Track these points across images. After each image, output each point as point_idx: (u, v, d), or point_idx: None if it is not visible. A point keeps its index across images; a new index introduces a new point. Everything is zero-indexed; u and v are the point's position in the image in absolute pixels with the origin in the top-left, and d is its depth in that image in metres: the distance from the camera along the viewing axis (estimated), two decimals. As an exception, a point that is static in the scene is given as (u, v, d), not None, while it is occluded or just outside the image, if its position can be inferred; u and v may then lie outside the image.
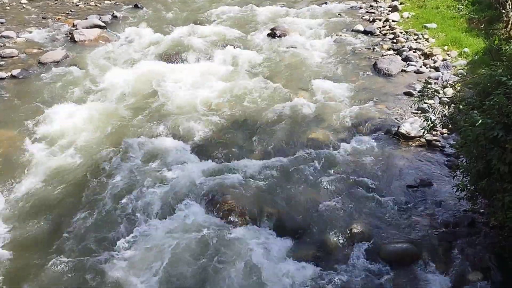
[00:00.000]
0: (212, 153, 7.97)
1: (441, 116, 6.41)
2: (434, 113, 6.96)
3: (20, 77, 10.47)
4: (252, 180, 7.22)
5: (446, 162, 7.54)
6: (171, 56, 11.63)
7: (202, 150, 8.06)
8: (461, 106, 5.86)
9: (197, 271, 5.68)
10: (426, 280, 5.45)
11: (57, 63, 11.11)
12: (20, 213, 6.65)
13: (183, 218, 6.48)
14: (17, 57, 11.45)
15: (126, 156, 7.77)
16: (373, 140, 8.24)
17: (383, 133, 8.46)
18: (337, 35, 13.00)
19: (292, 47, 12.26)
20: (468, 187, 5.80)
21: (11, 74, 10.51)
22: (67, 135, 8.40)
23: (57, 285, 5.56)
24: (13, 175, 7.39)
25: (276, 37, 12.90)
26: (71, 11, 15.24)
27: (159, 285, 5.50)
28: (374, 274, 5.59)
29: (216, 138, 8.42)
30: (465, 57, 10.79)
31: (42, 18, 14.39)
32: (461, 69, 10.26)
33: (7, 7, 15.36)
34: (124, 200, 6.83)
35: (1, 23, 13.65)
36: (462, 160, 6.11)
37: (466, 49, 10.97)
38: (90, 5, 16.09)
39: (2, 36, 12.56)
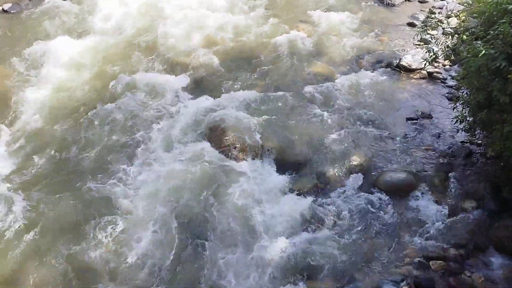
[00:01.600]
0: (212, 88, 7.90)
1: (444, 47, 6.28)
2: (436, 44, 6.81)
3: (12, 11, 10.11)
4: (252, 114, 7.21)
5: (446, 94, 7.52)
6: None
7: (202, 85, 7.98)
8: (464, 37, 5.73)
9: (199, 200, 5.84)
10: (422, 209, 5.63)
11: (49, -5, 10.64)
12: (23, 148, 6.71)
13: (184, 151, 6.54)
14: (8, -9, 10.95)
15: (125, 91, 7.67)
16: (374, 73, 8.15)
17: (384, 66, 8.35)
18: (338, -37, 12.38)
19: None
20: (467, 119, 5.83)
21: (2, 9, 10.15)
22: (63, 70, 8.25)
23: (64, 213, 5.74)
24: (11, 110, 7.38)
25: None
26: None
27: (162, 212, 5.68)
28: (371, 204, 5.76)
29: (216, 73, 8.29)
30: (472, -16, 10.35)
31: None
32: (466, -3, 9.89)
33: None
34: (125, 134, 6.89)
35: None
36: (463, 92, 6.09)
37: (473, -24, 10.50)
38: None
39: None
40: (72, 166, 6.44)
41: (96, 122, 7.11)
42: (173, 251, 5.29)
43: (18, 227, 5.58)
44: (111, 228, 5.54)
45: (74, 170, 6.38)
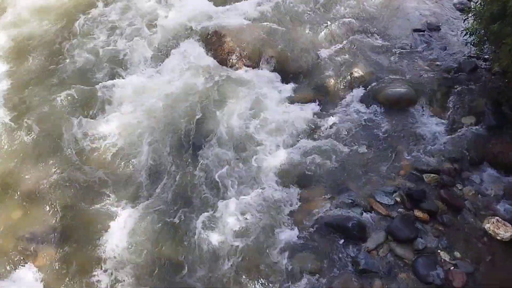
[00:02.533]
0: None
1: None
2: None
3: None
4: (253, 21, 6.92)
5: (457, 5, 7.15)
6: None
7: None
8: None
9: (195, 108, 5.77)
10: (421, 122, 5.58)
11: None
12: (14, 50, 6.48)
13: (181, 59, 6.35)
14: None
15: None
16: (382, -19, 7.65)
17: (393, -27, 7.81)
18: None
19: None
20: (478, 31, 5.57)
21: None
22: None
23: (56, 114, 5.71)
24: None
25: None
26: None
27: (156, 120, 5.64)
28: (371, 117, 5.70)
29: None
30: None
31: None
32: None
33: None
34: (120, 40, 6.64)
35: None
36: (477, 2, 5.75)
37: None
38: None
39: None
40: (57, 67, 6.30)
41: (86, 24, 6.83)
42: (170, 159, 5.31)
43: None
44: (103, 142, 5.48)
45: (66, 71, 6.24)
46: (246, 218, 4.74)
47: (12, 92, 5.97)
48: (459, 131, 5.47)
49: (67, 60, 6.39)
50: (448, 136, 5.41)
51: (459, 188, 4.96)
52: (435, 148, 5.32)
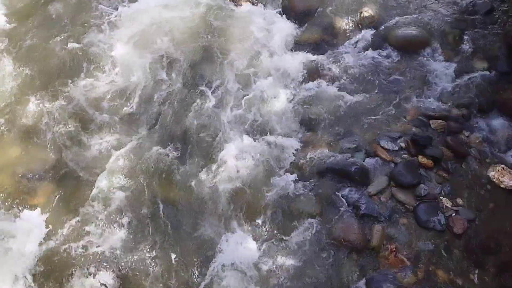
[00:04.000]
0: None
1: None
2: None
3: None
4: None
5: None
6: None
7: None
8: None
9: (193, 48, 5.58)
10: (431, 67, 5.37)
11: None
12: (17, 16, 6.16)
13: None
14: None
15: None
16: None
17: None
18: None
19: None
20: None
21: None
22: None
23: (55, 46, 5.54)
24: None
25: None
26: None
27: (157, 57, 5.47)
28: (379, 60, 5.48)
29: None
30: None
31: None
32: None
33: None
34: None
35: None
36: None
37: None
38: None
39: None
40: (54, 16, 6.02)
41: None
42: (169, 97, 5.20)
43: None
44: (104, 72, 5.36)
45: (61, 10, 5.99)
46: (246, 161, 4.68)
47: (12, 22, 5.84)
48: (470, 77, 5.26)
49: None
50: (458, 81, 5.22)
51: (466, 135, 4.84)
52: (444, 93, 5.16)
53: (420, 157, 4.62)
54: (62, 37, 5.63)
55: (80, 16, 5.93)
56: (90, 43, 5.59)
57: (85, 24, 5.82)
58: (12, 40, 5.65)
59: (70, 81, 5.27)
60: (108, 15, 5.87)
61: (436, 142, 4.75)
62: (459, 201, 4.38)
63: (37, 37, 5.67)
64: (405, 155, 4.66)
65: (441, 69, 5.32)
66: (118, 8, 5.98)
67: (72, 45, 5.55)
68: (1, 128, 4.95)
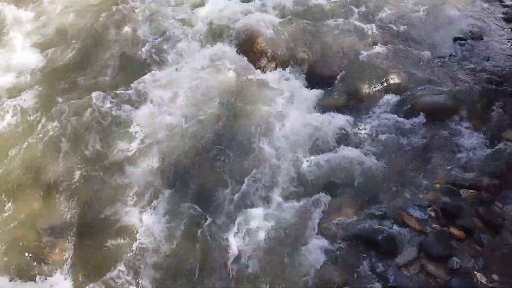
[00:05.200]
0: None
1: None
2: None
3: None
4: (286, 21, 6.75)
5: (503, 15, 6.83)
6: None
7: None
8: None
9: (219, 108, 5.61)
10: (460, 134, 5.28)
11: None
12: (46, 39, 6.48)
13: (211, 56, 6.23)
14: None
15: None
16: (423, -12, 7.39)
17: (435, -20, 7.54)
18: None
19: None
20: (526, 40, 5.27)
21: None
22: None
23: (81, 108, 5.59)
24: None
25: None
26: None
27: (182, 119, 5.49)
28: (406, 126, 5.43)
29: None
30: None
31: None
32: None
33: None
34: (148, 35, 6.57)
35: None
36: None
37: None
38: None
39: None
40: (89, 58, 6.24)
41: (120, 17, 6.76)
42: (193, 159, 5.15)
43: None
44: (128, 134, 5.40)
45: (95, 68, 6.15)
46: (270, 226, 4.53)
47: (41, 83, 5.91)
48: (500, 146, 5.13)
49: (98, 54, 6.32)
50: (488, 150, 5.09)
51: (499, 206, 4.63)
52: (474, 162, 5.01)
53: (451, 228, 4.42)
54: (89, 99, 5.69)
55: (112, 78, 6.08)
56: (118, 105, 5.68)
57: (117, 86, 5.95)
58: (43, 98, 5.76)
59: (96, 141, 5.30)
60: (139, 82, 5.95)
61: (467, 213, 4.55)
62: (495, 276, 4.10)
63: (67, 97, 5.78)
64: (435, 225, 4.46)
65: (470, 137, 5.22)
66: (151, 72, 6.12)
67: (100, 107, 5.64)
68: (25, 181, 4.94)
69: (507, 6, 6.97)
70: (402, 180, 4.93)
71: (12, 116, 5.45)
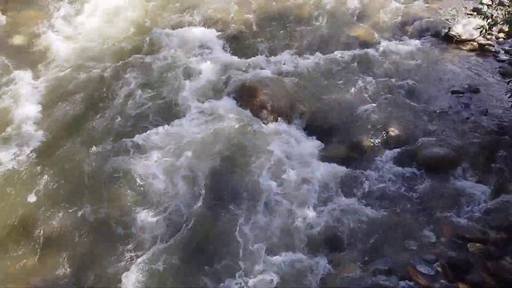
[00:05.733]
0: (246, 46, 7.56)
1: (505, 13, 5.73)
2: (495, 10, 6.21)
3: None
4: (286, 75, 6.87)
5: (498, 69, 6.97)
6: None
7: (235, 43, 7.63)
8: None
9: (223, 161, 5.58)
10: (463, 187, 5.23)
11: None
12: (48, 96, 6.52)
13: (213, 109, 6.27)
14: None
15: (155, 46, 7.40)
16: (420, 42, 7.62)
17: (431, 35, 7.81)
18: None
19: None
20: (524, 94, 5.33)
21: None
22: (97, 20, 8.03)
23: (80, 162, 5.57)
24: (40, 58, 7.19)
25: None
26: None
27: (184, 172, 5.44)
28: (408, 178, 5.39)
29: (251, 30, 7.92)
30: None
31: None
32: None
33: None
34: (154, 90, 6.64)
35: None
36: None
37: None
38: None
39: None
40: (91, 118, 6.23)
41: (123, 74, 6.86)
42: (192, 210, 5.06)
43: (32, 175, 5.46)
44: (129, 188, 5.31)
45: (96, 123, 6.17)
46: (270, 281, 4.37)
47: (41, 134, 5.93)
48: (505, 198, 5.06)
49: (102, 108, 6.37)
50: (494, 202, 5.02)
51: (508, 260, 4.48)
52: (479, 215, 4.93)
53: (460, 284, 4.24)
54: (90, 152, 5.69)
55: (112, 131, 6.08)
56: (118, 158, 5.66)
57: (117, 139, 5.93)
58: (42, 149, 5.75)
59: (94, 196, 5.23)
60: (140, 135, 5.93)
61: (475, 268, 4.40)
62: (508, 336, 3.90)
63: (67, 149, 5.76)
64: (443, 281, 4.30)
65: (474, 189, 5.16)
66: (152, 125, 6.14)
67: (99, 163, 5.59)
68: (20, 235, 4.83)
69: (501, 60, 7.13)
70: (406, 233, 4.81)
71: (9, 167, 5.42)
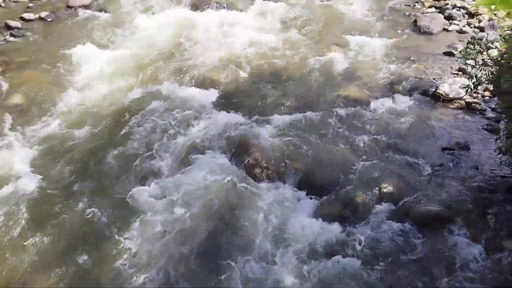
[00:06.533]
0: (239, 104, 7.73)
1: (488, 73, 5.94)
2: (479, 71, 6.43)
3: (48, 19, 10.32)
4: (279, 134, 6.97)
5: (486, 126, 7.11)
6: (201, 5, 11.18)
7: (228, 101, 7.82)
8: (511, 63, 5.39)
9: (216, 222, 5.53)
10: (457, 245, 5.18)
11: (85, 7, 10.87)
12: (45, 156, 6.57)
13: (206, 167, 6.29)
14: (46, 0, 11.25)
15: (151, 104, 7.56)
16: (409, 100, 7.82)
17: (419, 94, 8.02)
18: (375, -9, 12.27)
19: (328, 1, 11.68)
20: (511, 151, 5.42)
21: (39, 16, 10.38)
22: (92, 79, 8.26)
23: (75, 230, 5.51)
24: (38, 117, 7.31)
25: (311, -10, 12.27)
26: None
27: (176, 232, 5.38)
28: (402, 236, 5.33)
29: (244, 89, 8.14)
30: (514, 18, 10.06)
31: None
32: (509, 30, 9.52)
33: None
34: (148, 147, 6.70)
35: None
36: (508, 122, 5.69)
37: (516, 9, 10.21)
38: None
39: (33, -20, 12.32)
40: (88, 176, 6.25)
41: (118, 132, 6.97)
42: (187, 274, 4.96)
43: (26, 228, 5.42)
44: (118, 247, 5.26)
45: (91, 180, 6.19)
46: None
47: (36, 193, 5.91)
48: (500, 256, 5.02)
49: (96, 166, 6.40)
50: (488, 261, 4.96)
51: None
52: (474, 273, 4.85)
53: None
54: (83, 211, 5.68)
55: (105, 189, 6.08)
56: (111, 217, 5.63)
57: (111, 197, 5.94)
58: (36, 209, 5.70)
59: (87, 256, 5.16)
60: (133, 193, 5.92)
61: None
62: None
63: (64, 209, 5.73)
64: None
65: (468, 247, 5.11)
66: (146, 183, 6.14)
67: (93, 219, 5.58)
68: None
69: (488, 118, 7.29)
70: (403, 293, 4.71)
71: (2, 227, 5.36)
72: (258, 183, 6.16)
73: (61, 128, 7.09)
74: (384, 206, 5.73)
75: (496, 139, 5.84)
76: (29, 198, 5.85)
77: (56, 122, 7.20)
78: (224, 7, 11.12)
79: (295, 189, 6.13)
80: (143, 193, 5.88)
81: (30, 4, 10.94)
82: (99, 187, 6.05)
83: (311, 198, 5.98)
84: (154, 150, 6.56)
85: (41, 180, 6.14)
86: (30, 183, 6.05)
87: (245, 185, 6.04)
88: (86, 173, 6.29)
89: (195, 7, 11.06)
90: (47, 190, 6.01)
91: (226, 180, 6.02)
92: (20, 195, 5.85)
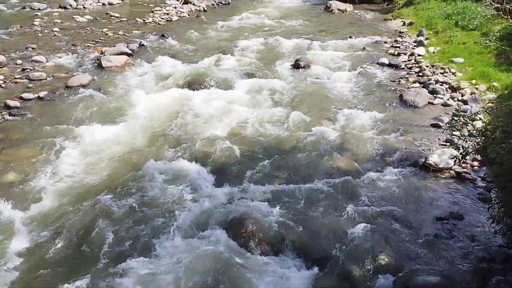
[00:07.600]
0: (233, 178, 7.80)
1: (474, 144, 6.13)
2: (465, 142, 6.64)
3: (47, 98, 10.60)
4: (273, 206, 6.97)
5: (477, 195, 7.20)
6: (195, 84, 11.61)
7: (222, 175, 7.89)
8: (496, 134, 5.59)
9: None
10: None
11: (83, 86, 11.21)
12: (38, 234, 6.46)
13: (200, 241, 6.25)
14: (45, 80, 11.65)
15: (147, 179, 7.60)
16: (399, 171, 7.95)
17: (409, 165, 8.18)
18: (361, 68, 12.92)
19: (316, 78, 12.22)
20: (505, 220, 5.45)
21: (38, 96, 10.66)
22: (88, 156, 8.34)
23: None
24: (32, 195, 7.27)
25: (300, 68, 12.89)
26: (100, 39, 15.58)
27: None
28: (403, 308, 5.20)
29: (237, 163, 8.26)
30: (495, 91, 10.54)
31: (72, 45, 14.73)
32: (491, 102, 9.98)
33: (39, 34, 15.81)
34: (143, 222, 6.66)
35: (33, 48, 14.00)
36: (498, 191, 5.78)
37: (495, 83, 10.73)
38: (118, 34, 16.44)
39: (33, 61, 12.85)
40: (81, 254, 6.14)
41: (113, 209, 6.91)
42: None
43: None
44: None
45: (86, 254, 6.11)
46: None
47: (27, 271, 5.77)
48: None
49: (89, 242, 6.31)
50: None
51: None
52: None
53: None
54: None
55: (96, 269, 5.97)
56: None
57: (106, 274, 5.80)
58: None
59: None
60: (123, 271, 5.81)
61: None
62: None
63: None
64: None
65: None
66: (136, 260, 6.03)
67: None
68: None
69: (479, 187, 7.40)
70: None
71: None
72: (255, 255, 6.09)
73: (53, 205, 7.03)
74: (382, 278, 5.63)
75: (488, 208, 5.89)
76: (20, 271, 5.72)
77: (50, 200, 7.15)
78: (217, 85, 11.55)
79: (290, 262, 6.04)
80: (132, 271, 5.74)
81: (30, 85, 11.27)
82: (90, 263, 5.91)
83: (308, 270, 5.88)
84: (149, 228, 6.51)
85: (36, 259, 6.01)
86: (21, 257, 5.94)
87: (239, 259, 5.95)
88: (79, 250, 6.17)
89: (188, 86, 11.47)
90: (36, 266, 5.88)
91: (220, 254, 5.93)
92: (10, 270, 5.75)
